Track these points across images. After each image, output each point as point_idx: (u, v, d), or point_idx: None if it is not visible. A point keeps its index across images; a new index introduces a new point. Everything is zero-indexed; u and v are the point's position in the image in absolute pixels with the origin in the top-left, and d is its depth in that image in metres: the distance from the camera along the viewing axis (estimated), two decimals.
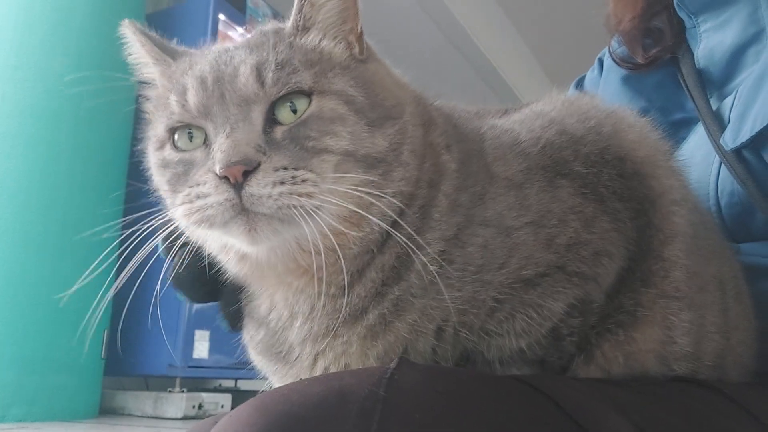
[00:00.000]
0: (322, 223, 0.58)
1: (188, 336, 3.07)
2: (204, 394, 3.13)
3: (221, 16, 3.49)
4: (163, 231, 0.64)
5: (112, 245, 0.68)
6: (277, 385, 0.69)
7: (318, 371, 0.64)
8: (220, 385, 3.82)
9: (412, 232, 0.60)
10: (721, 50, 1.00)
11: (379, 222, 0.60)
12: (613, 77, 1.18)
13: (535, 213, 0.64)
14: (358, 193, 0.59)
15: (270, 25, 0.70)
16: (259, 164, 0.57)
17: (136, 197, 0.70)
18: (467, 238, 0.62)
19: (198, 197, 0.59)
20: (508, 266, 0.62)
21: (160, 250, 0.68)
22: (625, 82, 1.16)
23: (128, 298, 0.68)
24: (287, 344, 0.66)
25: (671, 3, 1.06)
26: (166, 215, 0.64)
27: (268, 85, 0.61)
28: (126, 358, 2.93)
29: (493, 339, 0.63)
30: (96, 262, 0.69)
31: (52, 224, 2.61)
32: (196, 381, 3.47)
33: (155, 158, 0.66)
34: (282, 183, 0.57)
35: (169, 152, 0.65)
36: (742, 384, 0.75)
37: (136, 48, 0.71)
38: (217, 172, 0.57)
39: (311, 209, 0.57)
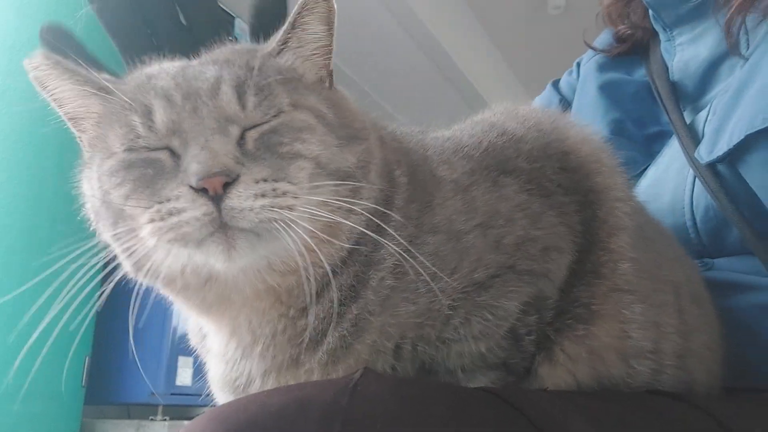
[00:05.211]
0: (299, 237, 0.56)
1: (171, 363, 3.02)
2: (186, 422, 3.06)
3: None
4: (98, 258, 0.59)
5: (95, 271, 0.64)
6: None
7: None
8: (203, 413, 3.75)
9: (396, 238, 0.60)
10: (696, 63, 1.02)
11: (344, 243, 0.60)
12: (590, 86, 1.19)
13: (483, 214, 0.64)
14: (337, 203, 0.58)
15: (240, 45, 0.70)
16: (238, 176, 0.55)
17: None
18: (417, 248, 0.62)
19: (171, 214, 0.54)
20: (460, 271, 0.62)
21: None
22: (601, 90, 1.17)
23: (110, 325, 0.65)
24: (246, 375, 0.64)
25: None
26: (102, 239, 0.60)
27: (249, 109, 0.59)
28: (107, 385, 2.88)
29: (451, 346, 0.62)
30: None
31: (35, 251, 2.58)
32: (179, 409, 3.40)
33: (108, 165, 0.60)
34: (263, 195, 0.55)
35: (126, 154, 0.59)
36: (715, 397, 0.75)
37: (57, 82, 0.64)
38: (194, 185, 0.54)
39: (290, 222, 0.55)
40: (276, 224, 0.55)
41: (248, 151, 0.58)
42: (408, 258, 0.60)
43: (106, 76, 0.65)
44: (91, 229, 0.63)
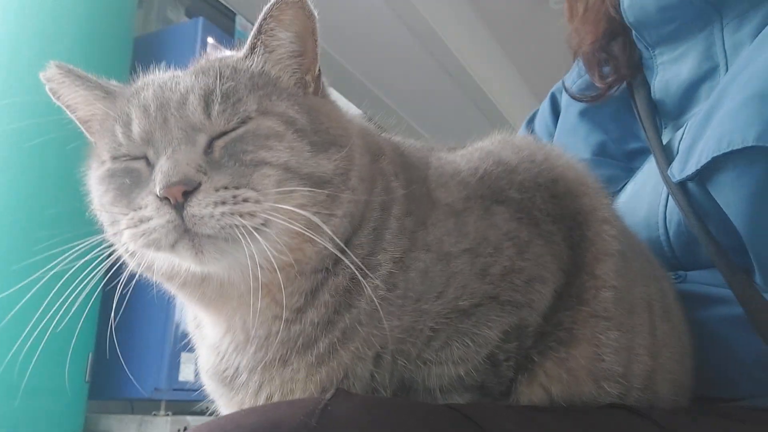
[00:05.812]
0: (269, 242, 0.59)
1: (174, 358, 3.05)
2: (189, 418, 3.10)
3: (210, 39, 3.51)
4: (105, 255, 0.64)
5: (98, 269, 0.67)
6: (222, 409, 0.71)
7: (262, 397, 0.66)
8: (206, 408, 3.78)
9: (358, 261, 0.62)
10: (677, 83, 1.03)
11: (326, 245, 0.61)
12: (571, 111, 1.22)
13: (473, 240, 0.66)
14: (305, 214, 0.60)
15: (218, 54, 0.72)
16: (199, 184, 0.58)
17: None
18: (410, 261, 0.64)
19: (141, 221, 0.59)
20: (446, 296, 0.64)
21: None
22: (582, 115, 1.19)
23: (114, 320, 0.68)
24: (234, 368, 0.67)
25: (629, 31, 1.09)
26: (107, 238, 0.64)
27: (213, 117, 0.62)
28: (111, 381, 2.92)
29: (432, 368, 0.65)
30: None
31: (37, 252, 2.60)
32: (182, 404, 3.44)
33: (98, 173, 0.66)
34: (223, 203, 0.57)
35: (111, 164, 0.65)
36: (675, 411, 0.77)
37: (69, 89, 0.70)
38: (157, 193, 0.58)
39: (254, 228, 0.58)
40: (237, 230, 0.57)
41: (214, 159, 0.61)
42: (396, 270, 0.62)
43: (114, 83, 0.71)
44: (96, 226, 0.68)
